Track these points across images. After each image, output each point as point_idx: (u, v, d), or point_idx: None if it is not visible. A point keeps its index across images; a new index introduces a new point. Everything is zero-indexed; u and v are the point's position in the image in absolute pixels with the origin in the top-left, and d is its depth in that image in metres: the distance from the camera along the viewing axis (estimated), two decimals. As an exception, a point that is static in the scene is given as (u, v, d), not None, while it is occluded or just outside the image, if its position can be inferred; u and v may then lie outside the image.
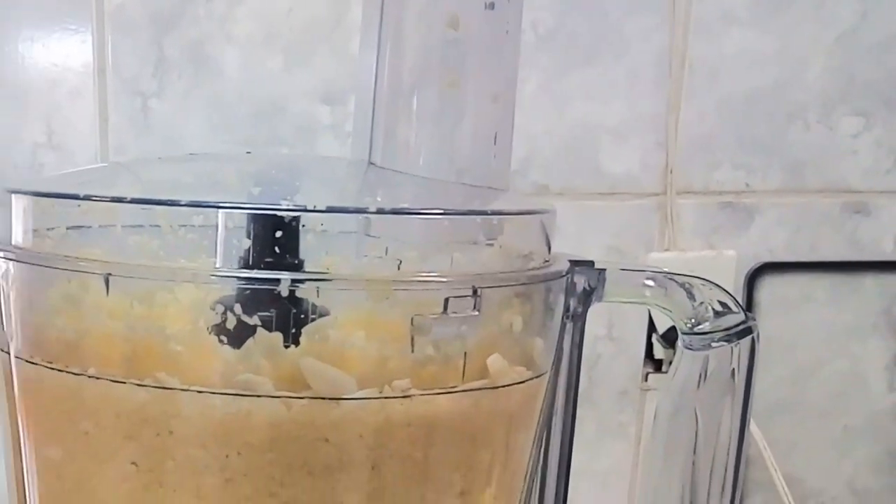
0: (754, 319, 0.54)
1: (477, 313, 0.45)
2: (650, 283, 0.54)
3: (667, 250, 1.01)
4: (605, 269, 0.53)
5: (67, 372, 0.46)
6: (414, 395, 0.44)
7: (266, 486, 0.44)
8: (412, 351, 0.44)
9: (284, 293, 0.42)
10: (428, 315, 0.44)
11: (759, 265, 1.03)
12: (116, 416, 0.45)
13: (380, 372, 0.44)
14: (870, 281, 1.06)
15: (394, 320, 0.44)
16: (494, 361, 0.46)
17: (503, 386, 0.47)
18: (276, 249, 0.43)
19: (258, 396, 0.43)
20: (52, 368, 0.46)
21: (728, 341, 0.54)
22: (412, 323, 0.44)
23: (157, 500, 0.45)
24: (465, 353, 0.45)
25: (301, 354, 0.43)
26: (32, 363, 0.48)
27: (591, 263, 0.53)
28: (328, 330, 0.43)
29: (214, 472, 0.44)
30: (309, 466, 0.44)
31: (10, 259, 0.49)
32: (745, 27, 0.99)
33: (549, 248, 0.52)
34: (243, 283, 0.43)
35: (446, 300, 0.44)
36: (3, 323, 0.50)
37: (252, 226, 0.44)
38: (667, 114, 1.00)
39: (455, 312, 0.44)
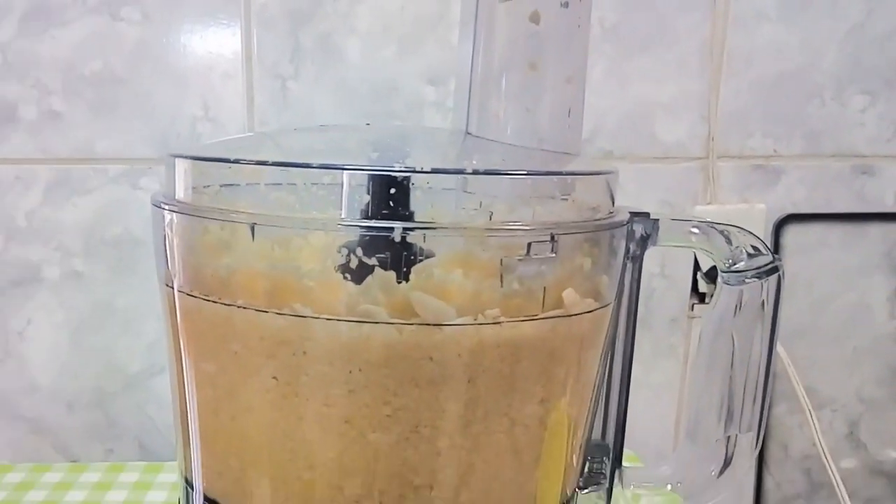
0: (780, 260, 0.54)
1: (554, 255, 0.45)
2: (695, 230, 0.54)
3: (709, 204, 1.01)
4: (658, 220, 0.53)
5: (220, 303, 0.46)
6: (503, 322, 0.44)
7: (381, 396, 0.44)
8: (501, 286, 0.44)
9: (397, 239, 0.42)
10: (514, 256, 0.44)
11: (784, 216, 1.02)
12: (260, 338, 0.45)
13: (474, 303, 0.44)
14: (874, 229, 1.05)
15: (486, 261, 0.44)
16: (568, 294, 0.46)
17: (576, 314, 0.47)
18: (391, 203, 0.43)
19: (375, 323, 0.43)
20: (208, 300, 0.47)
21: (759, 278, 0.53)
22: (501, 263, 0.44)
23: (293, 407, 0.45)
24: (545, 288, 0.45)
25: (411, 289, 0.43)
26: (192, 296, 0.48)
27: (647, 215, 0.53)
28: (433, 269, 0.43)
29: (339, 384, 0.44)
30: (416, 380, 0.44)
31: (174, 211, 0.49)
32: (774, 22, 0.99)
33: (613, 202, 0.52)
34: (364, 230, 0.43)
35: (529, 244, 0.44)
36: (168, 263, 0.50)
37: (371, 184, 0.44)
38: (709, 93, 0.99)
39: (536, 254, 0.44)
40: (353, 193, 0.43)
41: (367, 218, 0.43)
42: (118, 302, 1.02)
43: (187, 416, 0.51)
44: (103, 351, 1.03)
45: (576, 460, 0.54)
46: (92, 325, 1.02)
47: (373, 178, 0.44)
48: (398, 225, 0.42)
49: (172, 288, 0.50)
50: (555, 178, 0.50)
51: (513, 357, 0.45)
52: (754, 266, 0.54)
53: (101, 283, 1.01)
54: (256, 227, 0.44)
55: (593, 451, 0.58)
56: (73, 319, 1.02)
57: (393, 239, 0.42)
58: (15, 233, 0.99)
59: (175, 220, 0.49)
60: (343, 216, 0.44)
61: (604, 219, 0.50)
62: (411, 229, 0.42)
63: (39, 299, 1.01)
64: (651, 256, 0.54)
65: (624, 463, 0.59)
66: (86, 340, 1.03)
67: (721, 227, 0.54)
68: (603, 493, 0.59)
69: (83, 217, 0.99)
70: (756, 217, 1.01)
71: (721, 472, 0.56)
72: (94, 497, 0.92)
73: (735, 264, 0.54)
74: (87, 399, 1.05)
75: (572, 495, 0.55)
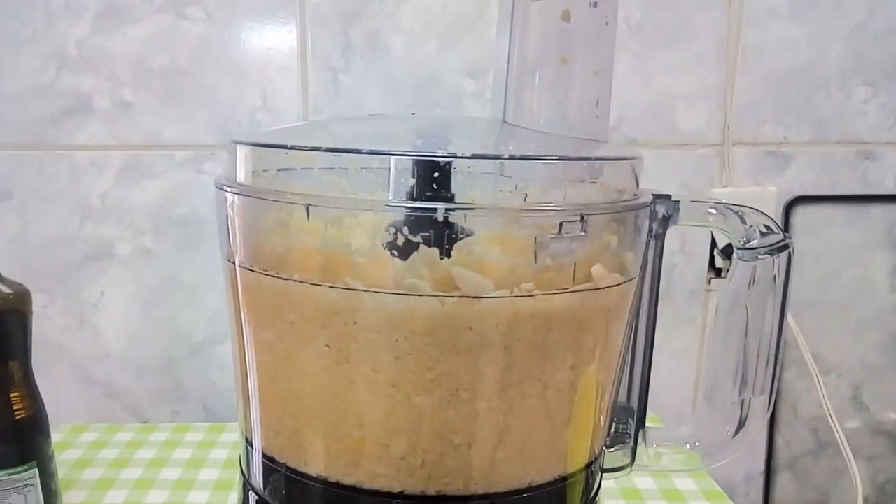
0: (790, 238, 0.53)
1: (584, 234, 0.45)
2: (713, 211, 0.54)
3: (725, 186, 1.01)
4: (679, 201, 0.53)
5: (278, 277, 0.46)
6: (536, 295, 0.44)
7: (425, 362, 0.44)
8: (535, 262, 0.44)
9: (440, 219, 0.42)
10: (547, 235, 0.44)
11: (793, 198, 1.02)
12: (314, 310, 0.45)
13: (511, 277, 0.43)
14: (876, 210, 1.05)
15: (521, 239, 0.44)
16: (597, 269, 0.46)
17: (603, 288, 0.47)
18: (434, 186, 0.43)
19: (420, 296, 0.43)
20: (267, 274, 0.47)
21: (771, 254, 0.53)
22: (535, 241, 0.44)
23: (344, 372, 0.45)
24: (575, 264, 0.45)
25: (452, 264, 0.43)
26: (252, 271, 0.48)
27: (668, 196, 0.53)
28: (472, 246, 0.43)
29: (387, 351, 0.44)
30: (457, 348, 0.44)
31: (235, 193, 0.49)
32: (784, 20, 0.99)
33: (638, 185, 0.51)
34: (410, 211, 0.43)
35: (561, 224, 0.44)
36: (230, 241, 0.50)
37: (416, 168, 0.43)
38: (725, 84, 0.99)
39: (567, 233, 0.44)
40: (399, 177, 0.43)
41: (412, 199, 0.43)
42: (184, 276, 1.02)
43: (247, 381, 0.52)
44: (170, 321, 1.04)
45: (603, 421, 0.54)
46: (160, 298, 1.03)
47: (418, 162, 0.44)
48: (441, 206, 0.42)
49: (234, 263, 0.50)
50: (584, 163, 0.50)
51: (546, 327, 0.45)
52: (767, 243, 0.53)
53: (168, 259, 1.02)
54: (311, 208, 0.44)
55: (619, 413, 0.58)
56: (142, 292, 1.03)
57: (436, 219, 0.42)
58: (90, 213, 1.00)
59: (236, 202, 0.49)
60: (390, 198, 0.43)
61: (629, 200, 0.50)
62: (453, 210, 0.42)
63: (112, 274, 1.02)
64: (672, 235, 0.54)
65: (647, 424, 0.59)
66: (154, 311, 1.04)
67: (736, 208, 0.53)
68: (628, 452, 0.59)
69: (152, 198, 1.00)
70: (768, 199, 1.01)
71: (736, 433, 0.56)
72: (163, 454, 0.93)
73: (749, 242, 0.54)
74: (156, 365, 1.06)
75: (600, 453, 0.55)
